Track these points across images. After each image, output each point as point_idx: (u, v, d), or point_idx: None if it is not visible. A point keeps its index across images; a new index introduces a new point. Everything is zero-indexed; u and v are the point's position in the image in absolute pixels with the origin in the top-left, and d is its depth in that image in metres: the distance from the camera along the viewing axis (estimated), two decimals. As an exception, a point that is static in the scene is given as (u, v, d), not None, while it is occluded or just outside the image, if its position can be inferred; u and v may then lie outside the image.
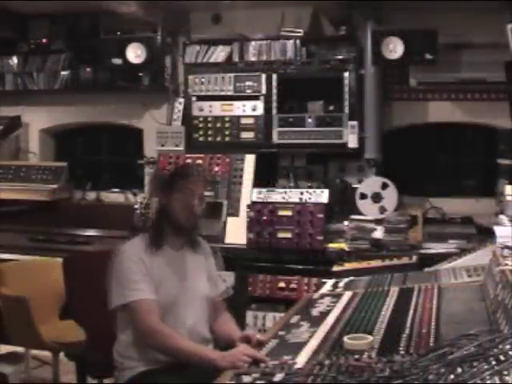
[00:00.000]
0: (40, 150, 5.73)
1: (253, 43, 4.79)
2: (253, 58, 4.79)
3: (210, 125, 4.80)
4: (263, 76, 4.67)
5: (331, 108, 4.59)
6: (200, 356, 2.37)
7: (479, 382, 1.38)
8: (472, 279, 2.70)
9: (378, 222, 4.32)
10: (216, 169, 4.70)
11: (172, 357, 2.47)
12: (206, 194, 2.85)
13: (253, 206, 4.44)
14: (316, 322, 2.33)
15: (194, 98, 4.84)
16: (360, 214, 4.40)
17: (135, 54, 4.81)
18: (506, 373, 1.38)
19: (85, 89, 5.27)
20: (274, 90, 4.65)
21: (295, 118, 4.60)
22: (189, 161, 4.76)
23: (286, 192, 4.50)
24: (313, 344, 2.05)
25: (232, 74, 4.74)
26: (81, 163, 5.71)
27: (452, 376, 1.43)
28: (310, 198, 4.41)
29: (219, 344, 2.71)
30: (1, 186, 5.11)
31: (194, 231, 2.76)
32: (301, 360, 1.89)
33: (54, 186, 5.17)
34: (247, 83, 4.70)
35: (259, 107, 4.68)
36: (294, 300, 3.55)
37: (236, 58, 4.83)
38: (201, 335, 2.66)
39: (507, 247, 2.72)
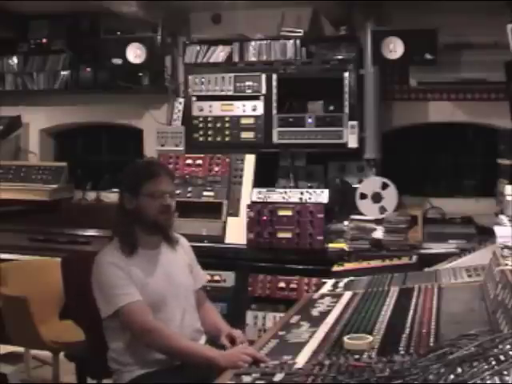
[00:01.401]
0: (40, 150, 5.73)
1: (253, 43, 4.79)
2: (253, 58, 4.79)
3: (210, 125, 4.80)
4: (263, 76, 4.67)
5: (331, 108, 4.59)
6: (200, 355, 2.35)
7: (479, 382, 1.38)
8: (472, 279, 2.70)
9: (378, 221, 4.32)
10: (216, 169, 4.70)
11: (170, 356, 2.46)
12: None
13: (253, 205, 4.44)
14: (316, 322, 2.33)
15: (193, 98, 4.84)
16: (360, 214, 4.40)
17: (135, 53, 4.81)
18: (506, 373, 1.38)
19: (85, 89, 5.27)
20: (274, 90, 4.65)
21: (295, 118, 4.60)
22: (189, 161, 4.77)
23: (285, 192, 4.50)
24: (313, 344, 2.05)
25: (232, 74, 4.74)
26: (81, 163, 5.71)
27: (452, 376, 1.44)
28: (310, 198, 4.41)
29: (206, 334, 2.74)
30: (1, 186, 5.10)
31: (169, 229, 2.70)
32: (301, 360, 1.89)
33: (54, 186, 5.17)
34: (247, 83, 4.70)
35: (259, 107, 4.68)
36: (294, 300, 3.55)
37: (236, 58, 4.83)
38: (192, 327, 2.67)
39: (507, 247, 2.72)
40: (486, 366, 1.43)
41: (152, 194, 2.58)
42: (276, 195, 4.48)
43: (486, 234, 3.83)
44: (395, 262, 3.54)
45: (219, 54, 4.88)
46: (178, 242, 2.78)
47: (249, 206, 4.45)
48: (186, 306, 2.67)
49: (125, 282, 2.49)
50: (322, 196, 4.42)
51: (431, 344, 1.88)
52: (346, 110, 4.51)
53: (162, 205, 2.58)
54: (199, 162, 4.75)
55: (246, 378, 1.78)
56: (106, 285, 2.50)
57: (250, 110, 4.70)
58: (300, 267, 4.36)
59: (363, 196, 4.45)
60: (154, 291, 2.56)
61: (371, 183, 4.50)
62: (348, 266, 3.57)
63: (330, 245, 4.32)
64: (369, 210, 4.40)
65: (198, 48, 4.91)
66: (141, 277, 2.55)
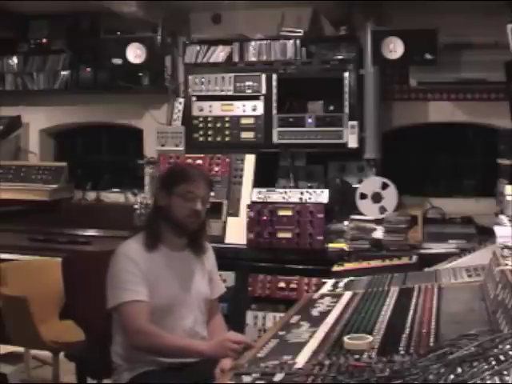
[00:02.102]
0: (40, 150, 5.73)
1: (253, 43, 4.79)
2: (253, 58, 4.79)
3: (210, 125, 4.80)
4: (263, 76, 4.67)
5: (331, 108, 4.59)
6: (188, 350, 2.39)
7: (479, 382, 1.37)
8: (472, 279, 2.70)
9: (378, 221, 4.32)
10: (216, 169, 4.70)
11: (160, 355, 2.46)
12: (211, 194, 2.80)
13: (253, 205, 4.44)
14: (316, 322, 2.33)
15: (193, 98, 4.84)
16: (360, 214, 4.40)
17: (135, 53, 4.81)
18: (506, 373, 1.38)
19: (85, 89, 5.27)
20: (274, 90, 4.65)
21: (295, 118, 4.60)
22: (189, 161, 4.77)
23: (286, 192, 4.50)
24: (313, 344, 2.05)
25: (232, 74, 4.74)
26: (81, 163, 5.71)
27: (452, 376, 1.43)
28: (310, 198, 4.41)
29: None
30: (1, 186, 5.10)
31: (200, 234, 2.70)
32: (301, 360, 1.89)
33: (54, 186, 5.17)
34: (247, 83, 4.70)
35: (259, 107, 4.68)
36: (294, 300, 3.55)
37: (236, 58, 4.83)
38: (199, 336, 2.66)
39: (507, 247, 2.72)
40: (486, 366, 1.43)
41: (184, 195, 2.59)
42: (276, 195, 4.48)
43: (486, 234, 3.83)
44: (395, 261, 3.53)
45: (219, 53, 4.88)
46: (206, 251, 2.76)
47: (249, 206, 4.45)
48: (197, 314, 2.67)
49: (135, 279, 2.49)
50: (322, 196, 4.42)
51: (431, 344, 1.88)
52: (346, 110, 4.51)
53: (191, 208, 2.59)
54: (199, 162, 4.75)
55: (246, 378, 1.77)
56: (117, 277, 2.51)
57: (249, 110, 4.70)
58: (300, 267, 4.36)
59: (363, 196, 4.45)
60: (164, 293, 2.55)
61: (371, 183, 4.50)
62: (348, 266, 3.56)
63: (330, 245, 4.32)
64: (369, 210, 4.40)
65: (198, 48, 4.91)
66: (154, 276, 2.54)
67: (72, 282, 3.08)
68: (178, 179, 2.64)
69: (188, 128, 4.87)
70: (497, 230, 3.30)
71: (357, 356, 1.83)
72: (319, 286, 3.07)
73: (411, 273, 3.04)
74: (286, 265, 4.41)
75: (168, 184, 2.65)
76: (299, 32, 4.73)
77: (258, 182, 4.63)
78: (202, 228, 2.71)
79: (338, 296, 2.70)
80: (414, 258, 3.59)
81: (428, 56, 4.18)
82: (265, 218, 4.39)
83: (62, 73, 5.31)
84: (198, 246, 2.71)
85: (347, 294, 2.71)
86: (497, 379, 1.37)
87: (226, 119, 4.76)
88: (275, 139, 4.64)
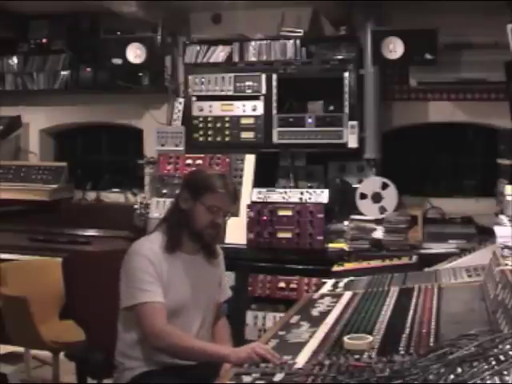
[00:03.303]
0: (40, 150, 5.73)
1: (253, 43, 4.78)
2: (253, 58, 4.78)
3: (210, 125, 4.80)
4: (263, 76, 4.66)
5: (331, 108, 4.59)
6: (211, 353, 2.33)
7: (479, 382, 1.38)
8: (472, 279, 2.70)
9: (378, 221, 4.32)
10: (216, 169, 4.69)
11: (180, 357, 2.43)
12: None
13: (253, 205, 4.44)
14: (316, 321, 2.33)
15: (193, 98, 4.83)
16: (360, 214, 4.40)
17: (135, 53, 4.81)
18: (506, 373, 1.38)
19: (85, 89, 5.27)
20: (274, 90, 4.65)
21: (295, 118, 4.60)
22: (189, 161, 4.77)
23: (286, 192, 4.50)
24: (313, 344, 2.05)
25: (232, 74, 4.74)
26: (81, 163, 5.71)
27: (452, 376, 1.44)
28: (310, 198, 4.41)
29: None
30: (1, 186, 5.10)
31: (215, 240, 2.68)
32: (301, 360, 1.89)
33: (54, 186, 5.16)
34: (247, 83, 4.70)
35: (259, 107, 4.68)
36: (294, 300, 3.56)
37: (236, 58, 4.83)
38: (205, 339, 2.65)
39: (507, 247, 2.72)
40: (486, 366, 1.43)
41: (209, 206, 2.53)
42: (276, 195, 4.48)
43: (486, 234, 3.84)
44: (395, 262, 3.54)
45: (219, 53, 4.88)
46: (218, 256, 2.75)
47: (249, 206, 4.45)
48: (205, 317, 2.65)
49: (152, 280, 2.45)
50: (322, 196, 4.42)
51: (431, 344, 1.88)
52: (346, 109, 4.51)
53: (213, 220, 2.54)
54: (199, 161, 4.75)
55: (246, 378, 1.78)
56: (133, 276, 2.46)
57: (249, 110, 4.70)
58: (300, 267, 4.36)
59: (363, 196, 4.45)
60: (176, 296, 2.53)
61: (371, 183, 4.50)
62: (348, 266, 3.57)
63: (330, 245, 4.32)
64: (369, 210, 4.40)
65: (198, 48, 4.91)
66: (168, 279, 2.51)
67: (72, 282, 3.08)
68: (206, 188, 2.56)
69: (188, 128, 4.87)
70: (497, 229, 3.31)
71: (357, 356, 1.84)
72: (319, 285, 3.07)
73: (411, 273, 3.05)
74: (286, 265, 4.41)
75: (194, 189, 2.58)
76: (299, 32, 4.73)
77: (258, 182, 4.63)
78: (218, 235, 2.68)
79: (338, 296, 2.70)
80: (414, 257, 3.59)
81: (428, 56, 4.18)
82: (265, 217, 4.39)
83: (62, 73, 5.31)
84: (211, 251, 2.69)
85: (347, 294, 2.71)
86: (497, 379, 1.37)
87: (226, 119, 4.76)
88: (275, 139, 4.64)
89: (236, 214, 4.55)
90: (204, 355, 2.35)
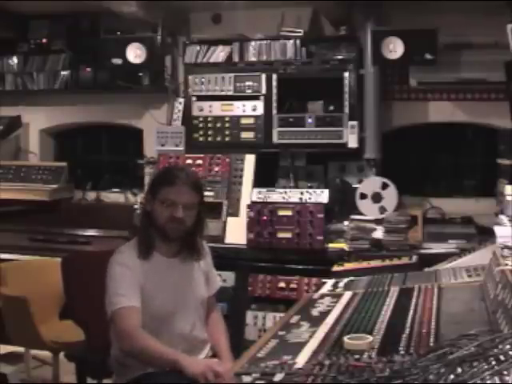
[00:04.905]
0: (40, 150, 5.73)
1: (253, 43, 4.78)
2: (253, 58, 4.78)
3: (210, 125, 4.80)
4: (263, 76, 4.67)
5: (331, 108, 4.59)
6: (166, 358, 2.29)
7: (479, 382, 1.38)
8: (472, 279, 2.70)
9: (378, 221, 4.32)
10: (216, 169, 4.70)
11: (145, 361, 2.39)
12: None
13: (253, 205, 4.44)
14: (316, 322, 2.33)
15: (193, 98, 4.83)
16: (360, 214, 4.40)
17: (135, 53, 4.81)
18: (506, 373, 1.38)
19: (85, 89, 5.27)
20: (274, 90, 4.65)
21: (295, 118, 4.60)
22: (189, 161, 4.77)
23: (286, 192, 4.50)
24: (313, 344, 2.05)
25: (232, 74, 4.74)
26: (81, 163, 5.71)
27: (452, 376, 1.44)
28: (310, 198, 4.41)
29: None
30: (1, 186, 5.10)
31: (193, 239, 2.62)
32: (301, 360, 1.89)
33: (54, 186, 5.17)
34: (247, 83, 4.70)
35: (259, 107, 4.68)
36: (294, 300, 3.56)
37: (236, 58, 4.83)
38: (198, 339, 2.66)
39: (507, 247, 2.72)
40: (486, 366, 1.43)
41: (164, 201, 2.52)
42: (276, 195, 4.48)
43: (486, 234, 3.83)
44: (395, 262, 3.54)
45: (219, 53, 4.88)
46: (202, 255, 2.69)
47: (249, 206, 4.45)
48: (195, 318, 2.64)
49: (127, 285, 2.43)
50: (322, 196, 4.42)
51: (431, 344, 1.88)
52: (346, 109, 4.51)
53: (171, 215, 2.50)
54: (199, 161, 4.75)
55: (246, 378, 1.78)
56: (112, 283, 2.46)
57: (250, 110, 4.70)
58: (300, 267, 4.36)
59: (363, 196, 4.45)
60: (162, 306, 2.52)
61: (371, 183, 4.50)
62: (348, 266, 3.57)
63: (330, 245, 4.32)
64: (369, 210, 4.40)
65: (198, 48, 4.91)
66: (151, 288, 2.49)
67: (72, 281, 3.08)
68: (160, 183, 2.56)
69: (188, 128, 4.87)
70: (497, 230, 3.30)
71: (357, 356, 1.83)
72: (319, 285, 3.07)
73: (411, 273, 3.05)
74: (286, 265, 4.40)
75: (152, 188, 2.59)
76: (299, 32, 4.73)
77: (258, 182, 4.63)
78: (195, 233, 2.62)
79: (338, 296, 2.70)
80: (414, 258, 3.59)
81: (428, 56, 4.18)
82: (265, 217, 4.39)
83: (62, 73, 5.31)
84: (192, 251, 2.64)
85: (347, 294, 2.71)
86: (497, 379, 1.37)
87: (226, 119, 4.76)
88: (275, 139, 4.64)
89: (236, 214, 4.56)
90: (160, 359, 2.31)
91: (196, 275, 2.67)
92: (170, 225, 2.52)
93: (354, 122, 4.49)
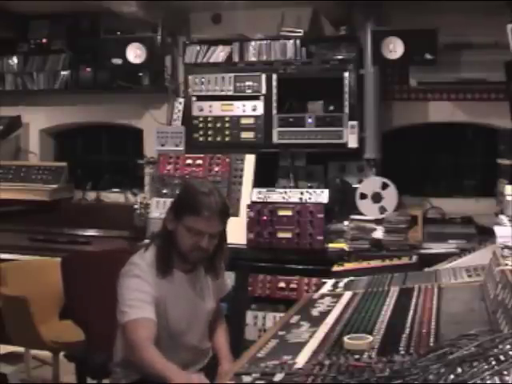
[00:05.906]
0: (40, 150, 5.73)
1: (253, 43, 4.78)
2: (253, 58, 4.78)
3: (210, 125, 4.80)
4: (263, 76, 4.66)
5: (331, 108, 4.59)
6: (159, 370, 2.23)
7: (479, 382, 1.38)
8: (472, 279, 2.70)
9: (378, 221, 4.32)
10: (216, 169, 4.70)
11: (141, 369, 2.35)
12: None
13: (253, 205, 4.44)
14: (316, 321, 2.33)
15: (193, 98, 4.83)
16: (360, 214, 4.40)
17: (135, 53, 4.81)
18: (506, 373, 1.38)
19: (85, 89, 5.27)
20: (274, 90, 4.64)
21: (295, 118, 4.60)
22: (189, 161, 4.76)
23: (286, 192, 4.50)
24: (313, 344, 2.05)
25: (232, 74, 4.74)
26: (81, 163, 5.71)
27: (452, 376, 1.43)
28: (309, 198, 4.41)
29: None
30: (1, 186, 5.10)
31: (213, 260, 2.57)
32: (301, 360, 1.89)
33: (54, 186, 5.17)
34: (247, 83, 4.70)
35: (259, 107, 4.68)
36: (294, 300, 3.55)
37: (236, 58, 4.83)
38: (204, 348, 2.67)
39: (507, 247, 2.72)
40: (486, 366, 1.43)
41: (189, 229, 2.41)
42: (276, 195, 4.48)
43: (486, 234, 3.83)
44: (395, 262, 3.53)
45: (219, 53, 4.88)
46: (220, 271, 2.65)
47: (249, 206, 4.45)
48: (204, 329, 2.65)
49: (143, 297, 2.37)
50: (322, 196, 4.42)
51: (431, 344, 1.88)
52: (346, 109, 4.51)
53: (196, 243, 2.42)
54: (199, 161, 4.75)
55: (246, 378, 1.78)
56: (127, 292, 2.39)
57: (250, 110, 4.70)
58: (300, 267, 4.36)
59: (363, 196, 4.45)
60: (177, 321, 2.50)
61: (371, 183, 4.50)
62: (348, 266, 3.56)
63: (330, 245, 4.32)
64: (369, 210, 4.40)
65: (198, 48, 4.91)
66: (166, 304, 2.46)
67: (72, 282, 3.08)
68: (186, 210, 2.42)
69: (188, 128, 4.87)
70: (497, 230, 3.30)
71: (357, 356, 1.83)
72: (319, 286, 3.07)
73: (411, 273, 3.04)
74: (286, 265, 4.41)
75: (177, 209, 2.47)
76: (299, 32, 4.73)
77: (258, 182, 4.63)
78: (215, 256, 2.57)
79: (338, 296, 2.70)
80: (414, 258, 3.59)
81: (428, 56, 4.18)
82: (265, 217, 4.39)
83: (62, 73, 5.31)
84: (210, 272, 2.61)
85: (347, 294, 2.71)
86: (497, 379, 1.37)
87: (226, 119, 4.76)
88: (275, 139, 4.64)
89: (236, 214, 4.56)
90: (153, 369, 2.25)
91: (208, 288, 2.65)
92: (192, 252, 2.46)
93: (354, 122, 4.49)
